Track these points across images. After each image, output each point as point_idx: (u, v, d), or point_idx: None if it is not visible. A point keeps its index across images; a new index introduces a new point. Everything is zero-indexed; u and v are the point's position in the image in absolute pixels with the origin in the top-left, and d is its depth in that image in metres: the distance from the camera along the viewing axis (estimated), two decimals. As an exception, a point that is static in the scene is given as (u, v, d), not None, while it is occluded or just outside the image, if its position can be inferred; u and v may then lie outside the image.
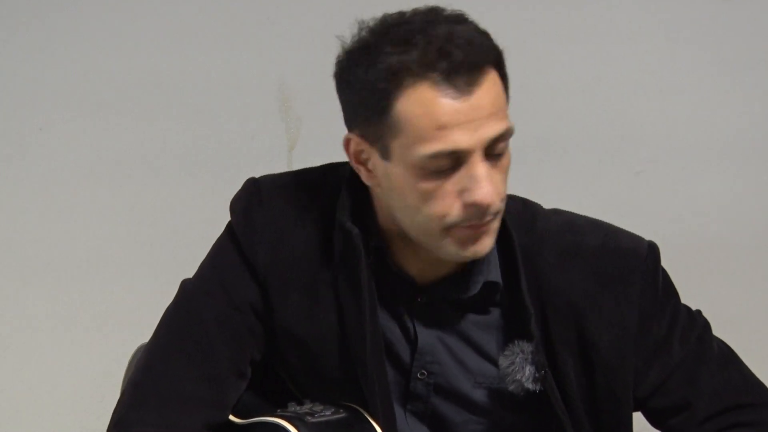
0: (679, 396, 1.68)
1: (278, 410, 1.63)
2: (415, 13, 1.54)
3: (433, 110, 1.50)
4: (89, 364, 2.46)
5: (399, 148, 1.53)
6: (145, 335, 1.75)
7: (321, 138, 2.22)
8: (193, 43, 2.42)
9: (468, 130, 1.49)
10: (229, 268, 1.68)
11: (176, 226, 2.43)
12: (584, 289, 1.64)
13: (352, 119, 1.57)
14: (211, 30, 2.43)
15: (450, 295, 1.65)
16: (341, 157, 1.63)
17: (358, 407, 1.63)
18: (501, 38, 2.43)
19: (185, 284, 1.71)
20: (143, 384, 1.66)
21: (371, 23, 1.56)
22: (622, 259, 1.66)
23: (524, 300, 1.63)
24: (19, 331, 2.45)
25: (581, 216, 1.73)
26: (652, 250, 1.69)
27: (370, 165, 1.57)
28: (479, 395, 1.69)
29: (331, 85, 1.59)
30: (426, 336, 1.67)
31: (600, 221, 1.73)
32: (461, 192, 1.52)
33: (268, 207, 1.67)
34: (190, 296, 1.69)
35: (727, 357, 1.72)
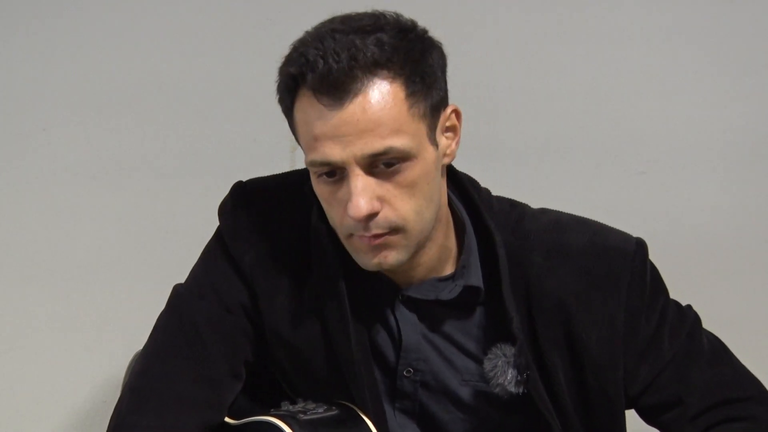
0: (671, 392, 1.68)
1: (272, 410, 1.63)
2: (345, 19, 1.53)
3: (309, 120, 1.50)
4: (90, 367, 2.46)
5: (302, 153, 1.55)
6: (145, 339, 1.76)
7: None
8: (195, 44, 2.42)
9: (338, 144, 1.48)
10: (218, 271, 1.69)
11: (178, 228, 2.43)
12: (572, 289, 1.64)
13: None
14: (213, 31, 2.43)
15: (430, 297, 1.65)
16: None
17: (350, 404, 1.64)
18: (502, 40, 2.45)
19: (177, 289, 1.73)
20: (140, 388, 1.67)
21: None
22: (609, 257, 1.66)
23: (505, 304, 1.62)
24: (19, 333, 2.45)
25: (568, 215, 1.73)
26: (640, 247, 1.69)
27: None
28: (466, 393, 1.70)
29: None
30: (410, 334, 1.67)
31: (587, 219, 1.72)
32: (345, 202, 1.52)
33: (254, 210, 1.68)
34: (183, 300, 1.71)
35: (718, 352, 1.72)
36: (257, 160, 2.40)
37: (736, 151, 2.50)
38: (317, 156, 1.50)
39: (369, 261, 1.56)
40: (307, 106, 1.49)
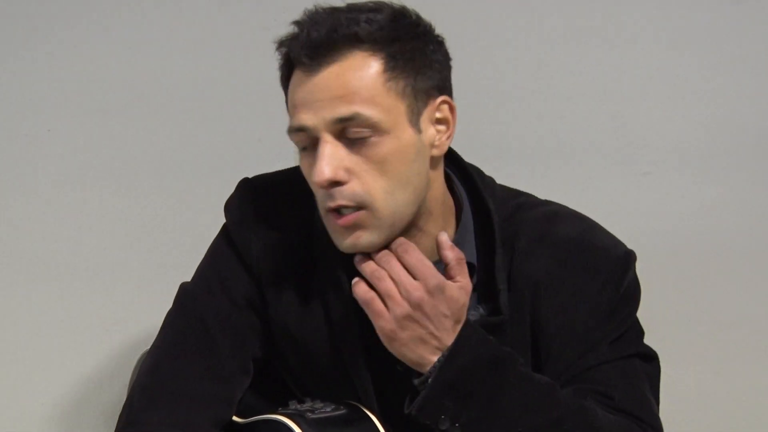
0: (572, 374, 1.66)
1: (280, 408, 1.64)
2: (353, 4, 1.58)
3: (292, 90, 1.56)
4: (97, 368, 2.47)
5: None
6: (152, 339, 1.76)
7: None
8: (199, 45, 2.43)
9: (311, 109, 1.52)
10: (225, 267, 1.70)
11: (184, 228, 2.43)
12: (547, 273, 1.65)
13: None
14: (217, 32, 2.43)
15: None
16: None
17: (357, 404, 1.64)
18: (507, 42, 2.45)
19: (184, 286, 1.73)
20: (150, 385, 1.67)
21: None
22: (592, 253, 1.67)
23: (495, 277, 1.63)
24: (24, 334, 2.45)
25: (570, 210, 1.73)
26: (627, 256, 1.69)
27: None
28: None
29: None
30: None
31: (587, 218, 1.73)
32: None
33: (260, 206, 1.69)
34: (190, 296, 1.71)
35: (638, 372, 1.70)
36: (262, 161, 2.39)
37: (741, 152, 2.50)
38: (293, 122, 1.55)
39: (343, 242, 1.58)
40: (293, 78, 1.55)
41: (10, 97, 2.41)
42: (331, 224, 1.58)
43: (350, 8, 1.56)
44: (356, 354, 1.63)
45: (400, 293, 1.54)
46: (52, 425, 2.47)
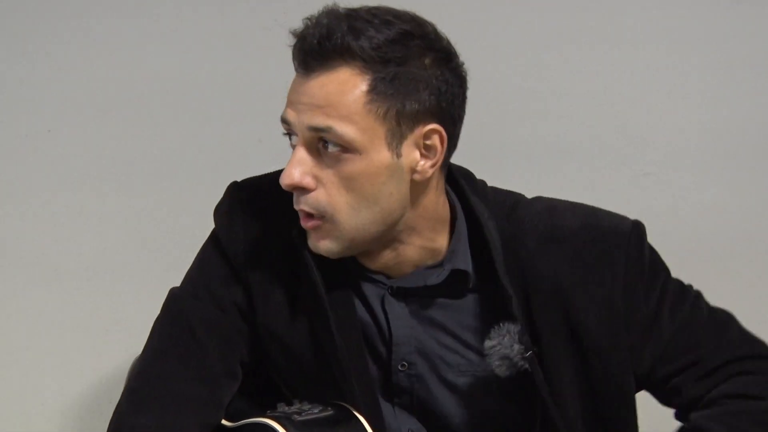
0: (680, 362, 1.68)
1: (268, 411, 1.64)
2: (372, 9, 1.57)
3: (293, 80, 1.57)
4: (94, 369, 2.47)
5: None
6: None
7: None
8: (199, 45, 2.43)
9: (295, 109, 1.54)
10: (213, 272, 1.70)
11: (183, 229, 2.43)
12: (568, 272, 1.64)
13: None
14: (217, 33, 2.43)
15: (418, 283, 1.65)
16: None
17: (345, 404, 1.64)
18: (509, 42, 2.44)
19: (173, 291, 1.73)
20: (138, 389, 1.68)
21: None
22: (604, 238, 1.66)
23: (503, 284, 1.62)
24: (22, 334, 2.46)
25: (563, 201, 1.73)
26: (636, 227, 1.68)
27: None
28: (463, 383, 1.69)
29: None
30: (400, 327, 1.67)
31: (582, 204, 1.72)
32: None
33: (249, 210, 1.69)
34: (178, 301, 1.72)
35: (723, 318, 1.72)
36: (262, 161, 2.39)
37: (741, 152, 2.49)
38: (284, 114, 1.57)
39: (310, 243, 1.61)
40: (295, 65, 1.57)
41: (11, 97, 2.42)
42: (301, 222, 1.59)
43: (364, 15, 1.54)
44: (338, 361, 1.63)
45: None
46: (52, 425, 2.48)
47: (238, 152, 2.45)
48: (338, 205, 1.55)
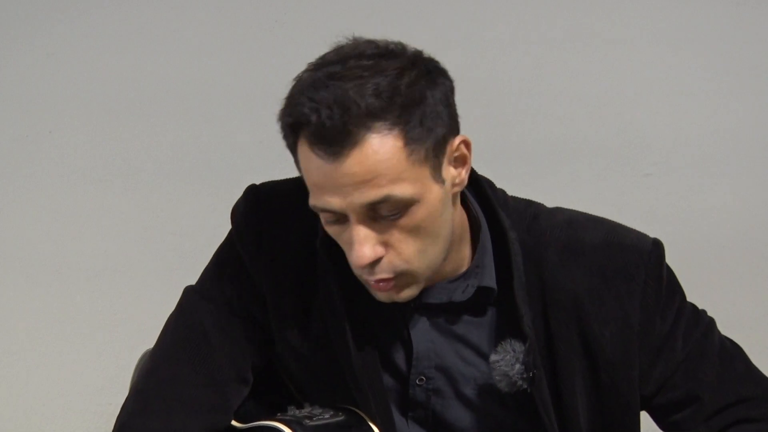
0: (684, 391, 1.67)
1: (278, 414, 1.63)
2: (344, 57, 1.49)
3: (309, 167, 1.49)
4: (98, 368, 2.47)
5: None
6: (154, 340, 1.76)
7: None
8: (201, 47, 2.43)
9: (337, 194, 1.47)
10: (229, 275, 1.69)
11: (185, 229, 2.43)
12: (586, 285, 1.63)
13: None
14: (220, 34, 2.43)
15: (443, 299, 1.64)
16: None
17: (357, 410, 1.63)
18: (511, 44, 2.45)
19: (188, 291, 1.72)
20: (146, 390, 1.67)
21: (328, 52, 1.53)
22: (624, 254, 1.65)
23: (517, 302, 1.62)
24: (26, 334, 2.45)
25: (583, 213, 1.71)
26: (656, 247, 1.67)
27: None
28: (480, 396, 1.69)
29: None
30: (421, 342, 1.66)
31: (602, 218, 1.71)
32: (350, 245, 1.52)
33: (266, 215, 1.67)
34: (192, 303, 1.70)
35: (732, 352, 1.71)
36: (264, 163, 2.40)
37: (741, 152, 2.50)
38: (318, 203, 1.50)
39: (380, 297, 1.57)
40: (307, 152, 1.48)
41: (12, 98, 2.41)
42: (367, 282, 1.56)
43: (349, 73, 1.46)
44: (354, 374, 1.62)
45: None
46: (52, 425, 2.47)
47: (238, 152, 2.45)
48: (410, 257, 1.52)
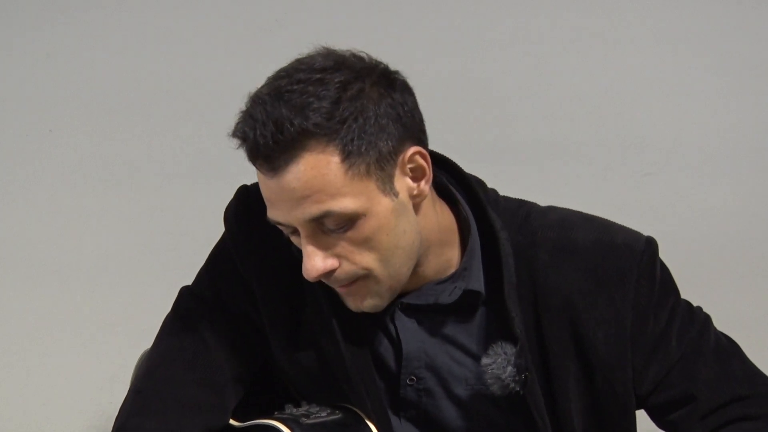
0: (680, 390, 1.65)
1: (275, 412, 1.63)
2: (290, 72, 1.47)
3: (259, 178, 1.50)
4: (97, 368, 2.47)
5: None
6: (153, 339, 1.76)
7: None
8: (201, 46, 2.43)
9: (281, 209, 1.49)
10: (223, 277, 1.69)
11: (184, 229, 2.44)
12: (579, 286, 1.62)
13: None
14: (219, 34, 2.44)
15: (429, 301, 1.64)
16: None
17: (354, 408, 1.63)
18: (511, 44, 2.46)
19: (183, 292, 1.72)
20: (144, 390, 1.67)
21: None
22: (617, 255, 1.63)
23: (507, 304, 1.61)
24: (26, 334, 2.46)
25: (576, 212, 1.70)
26: (649, 245, 1.65)
27: None
28: (471, 396, 1.68)
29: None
30: (410, 342, 1.66)
31: (595, 217, 1.70)
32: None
33: (257, 215, 1.66)
34: (188, 304, 1.70)
35: (728, 349, 1.69)
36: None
37: (741, 152, 2.50)
38: (270, 215, 1.52)
39: (349, 304, 1.58)
40: (256, 166, 1.49)
41: (12, 97, 2.42)
42: (339, 290, 1.57)
43: (294, 87, 1.45)
44: (347, 376, 1.62)
45: None
46: (52, 425, 2.48)
47: (238, 153, 2.45)
48: (367, 265, 1.52)
